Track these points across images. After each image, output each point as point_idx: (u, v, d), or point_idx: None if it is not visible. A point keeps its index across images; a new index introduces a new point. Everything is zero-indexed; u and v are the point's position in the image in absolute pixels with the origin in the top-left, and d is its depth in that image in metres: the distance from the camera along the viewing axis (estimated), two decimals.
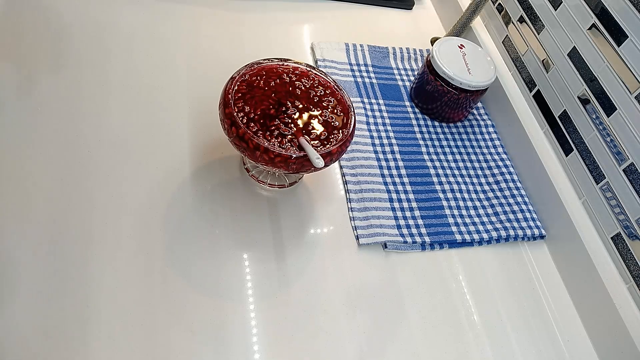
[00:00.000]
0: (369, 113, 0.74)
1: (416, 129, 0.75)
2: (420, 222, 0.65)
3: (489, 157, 0.75)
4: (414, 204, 0.66)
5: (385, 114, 0.75)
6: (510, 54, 0.82)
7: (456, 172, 0.72)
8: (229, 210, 0.60)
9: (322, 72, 0.61)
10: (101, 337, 0.47)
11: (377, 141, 0.71)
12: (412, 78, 0.82)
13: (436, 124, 0.77)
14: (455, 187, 0.70)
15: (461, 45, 0.76)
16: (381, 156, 0.70)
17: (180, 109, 0.67)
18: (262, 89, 0.56)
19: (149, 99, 0.66)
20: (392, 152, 0.71)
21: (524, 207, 0.70)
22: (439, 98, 0.74)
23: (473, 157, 0.75)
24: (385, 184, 0.67)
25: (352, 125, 0.57)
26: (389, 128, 0.74)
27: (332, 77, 0.66)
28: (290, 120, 0.55)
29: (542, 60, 0.75)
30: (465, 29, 0.85)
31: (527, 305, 0.62)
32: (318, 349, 0.52)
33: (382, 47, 0.84)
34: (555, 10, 0.72)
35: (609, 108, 0.63)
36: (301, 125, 0.55)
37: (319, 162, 0.51)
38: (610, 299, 0.59)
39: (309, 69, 0.60)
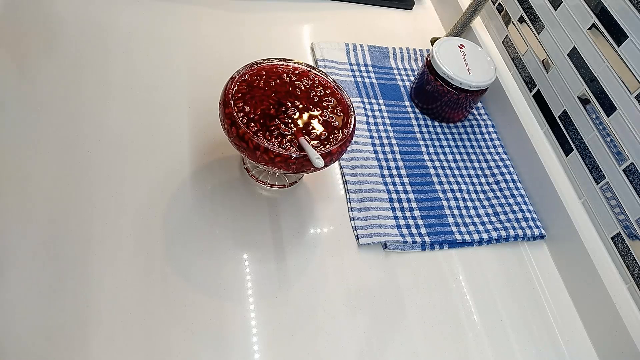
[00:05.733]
0: (369, 113, 0.74)
1: (416, 129, 0.75)
2: (420, 222, 0.65)
3: (489, 157, 0.75)
4: (414, 204, 0.66)
5: (385, 114, 0.75)
6: (510, 54, 0.82)
7: (456, 172, 0.72)
8: (229, 210, 0.60)
9: (322, 72, 0.61)
10: (101, 337, 0.48)
11: (377, 141, 0.71)
12: (412, 78, 0.82)
13: (436, 124, 0.77)
14: (455, 187, 0.70)
15: (461, 45, 0.76)
16: (381, 156, 0.70)
17: (180, 109, 0.67)
18: (262, 89, 0.56)
19: (149, 99, 0.66)
20: (392, 152, 0.71)
21: (524, 207, 0.70)
22: (439, 98, 0.74)
23: (473, 157, 0.75)
24: (385, 184, 0.67)
25: (352, 125, 0.57)
26: (389, 128, 0.74)
27: (332, 77, 0.66)
28: (290, 120, 0.55)
29: (542, 60, 0.75)
30: (465, 29, 0.85)
31: (527, 305, 0.62)
32: (318, 349, 0.52)
33: (382, 47, 0.84)
34: (555, 10, 0.72)
35: (609, 108, 0.63)
36: (301, 125, 0.55)
37: (319, 162, 0.51)
38: (610, 299, 0.59)
39: (309, 69, 0.60)
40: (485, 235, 0.66)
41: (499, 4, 0.85)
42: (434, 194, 0.68)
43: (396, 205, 0.65)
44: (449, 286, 0.61)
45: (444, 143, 0.75)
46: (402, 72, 0.83)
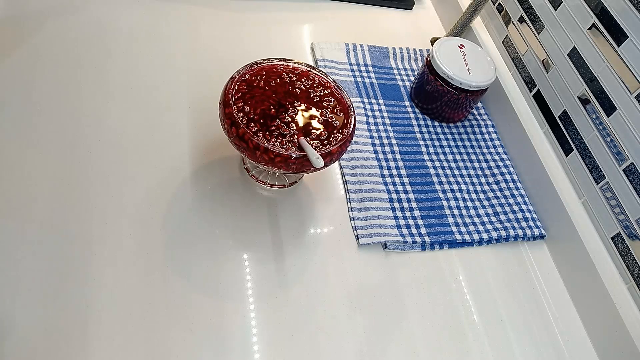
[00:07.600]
0: (369, 113, 0.74)
1: (416, 129, 0.75)
2: (420, 222, 0.65)
3: (489, 157, 0.75)
4: (414, 204, 0.66)
5: (385, 114, 0.75)
6: (510, 54, 0.82)
7: (456, 172, 0.72)
8: (229, 210, 0.60)
9: (322, 72, 0.61)
10: (101, 337, 0.48)
11: (377, 141, 0.71)
12: (412, 78, 0.82)
13: (436, 124, 0.77)
14: (455, 187, 0.70)
15: (461, 45, 0.76)
16: (381, 156, 0.70)
17: (180, 109, 0.67)
18: (262, 89, 0.56)
19: (149, 99, 0.66)
20: (392, 152, 0.71)
21: (524, 207, 0.70)
22: (439, 98, 0.74)
23: (473, 157, 0.75)
24: (385, 184, 0.67)
25: (352, 125, 0.57)
26: (389, 128, 0.74)
27: (332, 77, 0.66)
28: (290, 120, 0.55)
29: (542, 60, 0.75)
30: (465, 29, 0.85)
31: (527, 305, 0.62)
32: (318, 349, 0.52)
33: (382, 47, 0.84)
34: (555, 10, 0.72)
35: (609, 108, 0.63)
36: (301, 125, 0.55)
37: (318, 162, 0.51)
38: (610, 299, 0.59)
39: (309, 69, 0.60)
40: (485, 235, 0.66)
41: (499, 4, 0.85)
42: (434, 194, 0.68)
43: (396, 205, 0.65)
44: (449, 286, 0.61)
45: (444, 143, 0.75)
46: (402, 72, 0.83)
